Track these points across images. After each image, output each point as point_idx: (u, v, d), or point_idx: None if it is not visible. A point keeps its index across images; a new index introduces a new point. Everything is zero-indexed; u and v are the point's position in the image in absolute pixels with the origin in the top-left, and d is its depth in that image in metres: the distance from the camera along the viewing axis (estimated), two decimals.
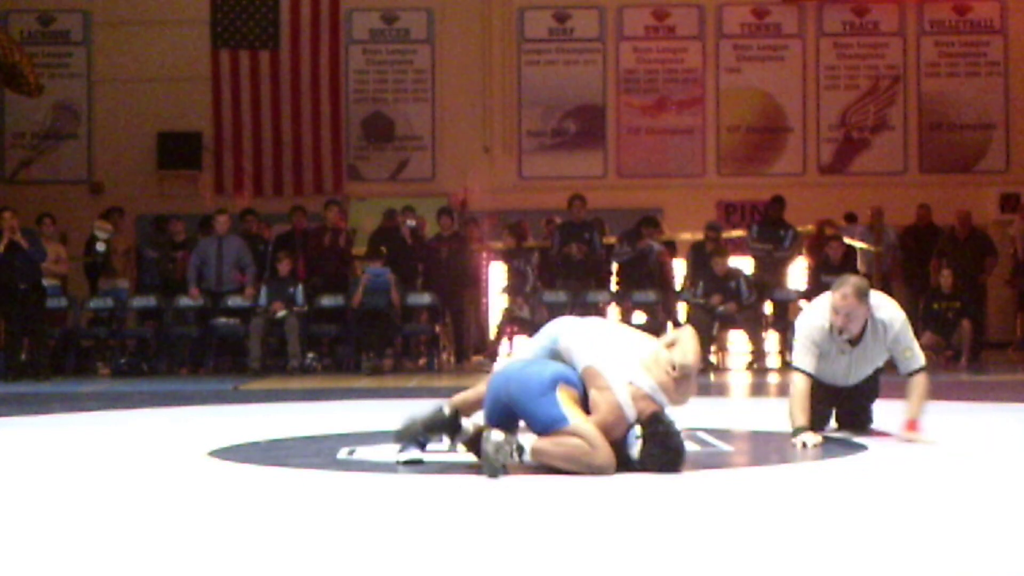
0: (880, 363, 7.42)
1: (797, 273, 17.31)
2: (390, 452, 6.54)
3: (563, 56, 19.98)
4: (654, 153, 19.85)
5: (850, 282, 7.16)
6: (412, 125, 19.93)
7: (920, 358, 7.22)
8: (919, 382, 7.14)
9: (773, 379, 14.04)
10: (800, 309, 16.54)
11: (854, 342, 7.24)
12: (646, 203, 18.80)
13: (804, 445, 6.85)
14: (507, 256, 16.73)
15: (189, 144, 19.55)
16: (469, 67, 19.87)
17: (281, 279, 15.71)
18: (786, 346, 16.43)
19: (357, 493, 5.54)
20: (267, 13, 19.74)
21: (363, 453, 6.75)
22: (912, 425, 7.07)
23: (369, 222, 17.71)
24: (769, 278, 16.36)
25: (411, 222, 16.78)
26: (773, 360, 16.06)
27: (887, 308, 7.26)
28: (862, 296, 7.12)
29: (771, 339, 16.35)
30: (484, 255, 17.55)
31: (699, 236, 16.88)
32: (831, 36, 19.99)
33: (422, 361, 16.42)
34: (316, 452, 6.90)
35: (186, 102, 19.62)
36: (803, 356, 7.26)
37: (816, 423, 7.29)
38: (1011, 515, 4.84)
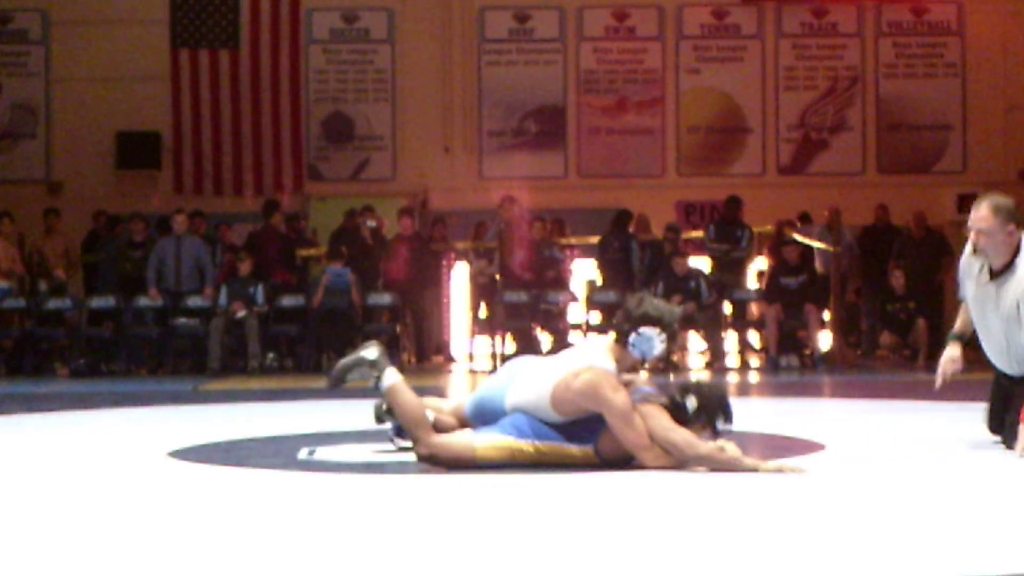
0: None
1: (756, 273, 17.40)
2: (351, 452, 6.55)
3: (523, 56, 20.00)
4: (614, 153, 19.89)
5: (988, 197, 6.66)
6: (372, 125, 19.90)
7: None
8: None
9: (732, 379, 14.11)
10: (759, 309, 16.68)
11: (995, 274, 6.63)
12: (607, 203, 18.84)
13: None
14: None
15: (148, 144, 19.44)
16: (429, 67, 19.85)
17: (241, 279, 15.67)
18: (744, 346, 16.55)
19: (317, 494, 5.55)
20: (227, 12, 19.66)
21: (323, 453, 6.76)
22: None
23: (329, 222, 17.69)
24: (727, 278, 16.43)
25: (371, 222, 16.77)
26: (732, 360, 16.13)
27: None
28: (999, 212, 6.53)
29: (730, 339, 16.43)
30: (450, 255, 17.53)
31: (659, 236, 16.96)
32: (790, 37, 20.09)
33: None
34: (276, 452, 6.90)
35: (145, 102, 19.51)
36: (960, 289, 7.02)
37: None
38: (968, 513, 4.90)
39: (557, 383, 6.01)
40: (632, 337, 6.02)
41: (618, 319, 6.19)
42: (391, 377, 6.09)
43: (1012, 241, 6.57)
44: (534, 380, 6.12)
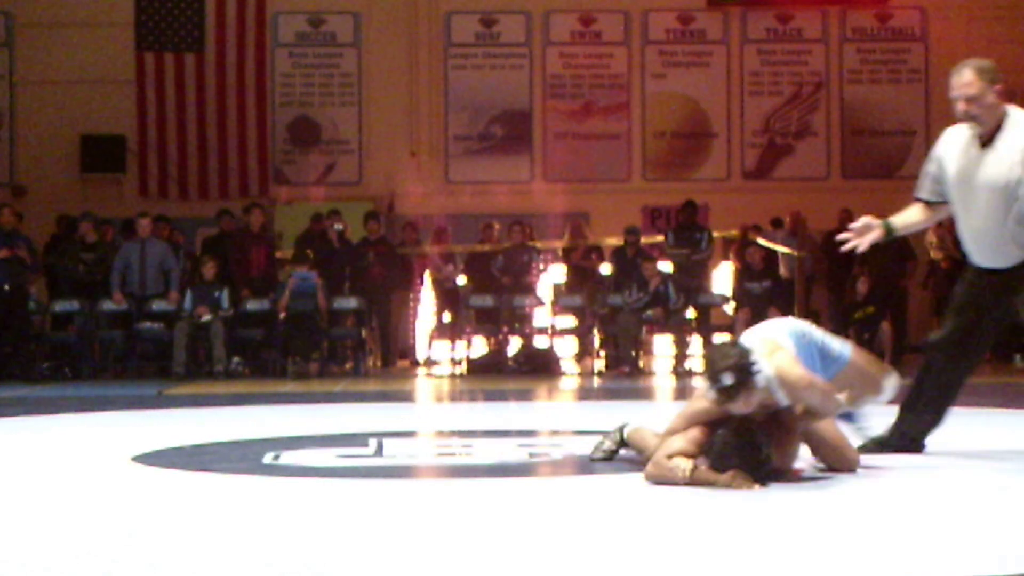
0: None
1: (723, 278, 17.45)
2: (316, 457, 6.55)
3: (490, 61, 20.03)
4: (580, 158, 19.93)
5: (967, 62, 6.26)
6: (338, 129, 19.89)
7: None
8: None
9: (697, 383, 14.13)
10: (725, 313, 16.74)
11: (985, 142, 6.21)
12: (572, 207, 18.92)
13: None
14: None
15: (113, 147, 19.38)
16: (396, 71, 19.86)
17: (206, 283, 15.64)
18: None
19: (282, 498, 5.55)
20: (192, 16, 19.60)
21: (288, 458, 6.74)
22: None
23: (295, 226, 17.68)
24: (690, 282, 16.43)
25: (338, 226, 16.76)
26: (696, 364, 16.16)
27: None
28: (984, 73, 6.17)
29: (695, 343, 16.45)
30: (414, 259, 17.54)
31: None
32: (755, 42, 20.17)
33: (348, 365, 16.38)
34: (241, 457, 6.88)
35: (110, 105, 19.44)
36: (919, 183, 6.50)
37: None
38: (933, 516, 4.94)
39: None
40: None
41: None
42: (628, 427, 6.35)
43: (999, 105, 6.21)
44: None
